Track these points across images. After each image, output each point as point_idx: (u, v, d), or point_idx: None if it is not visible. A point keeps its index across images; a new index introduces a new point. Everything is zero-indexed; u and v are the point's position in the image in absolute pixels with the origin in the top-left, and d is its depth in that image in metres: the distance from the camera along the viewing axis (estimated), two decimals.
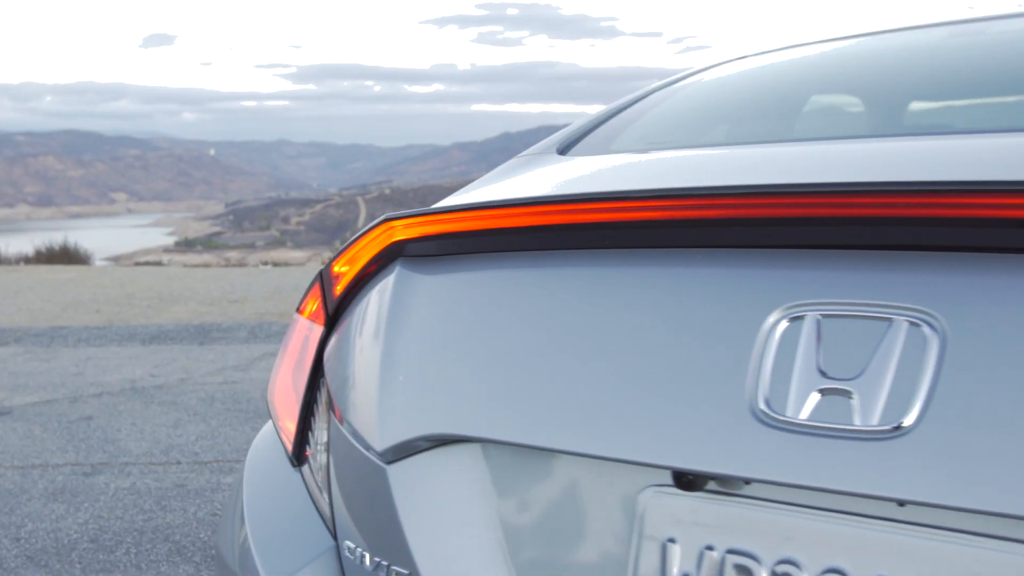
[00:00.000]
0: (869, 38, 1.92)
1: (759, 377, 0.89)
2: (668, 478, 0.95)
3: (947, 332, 0.83)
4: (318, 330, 1.39)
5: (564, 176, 1.43)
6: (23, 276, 13.63)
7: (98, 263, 21.04)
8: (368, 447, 1.17)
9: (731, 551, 0.91)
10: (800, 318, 0.89)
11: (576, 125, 1.76)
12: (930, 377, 0.82)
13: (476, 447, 1.09)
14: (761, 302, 0.92)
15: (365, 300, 1.29)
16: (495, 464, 1.09)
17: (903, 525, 0.84)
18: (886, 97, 1.74)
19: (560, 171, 1.47)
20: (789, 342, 0.89)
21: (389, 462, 1.14)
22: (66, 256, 17.42)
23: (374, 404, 1.17)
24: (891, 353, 0.84)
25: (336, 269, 1.35)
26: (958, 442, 0.79)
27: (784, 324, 0.90)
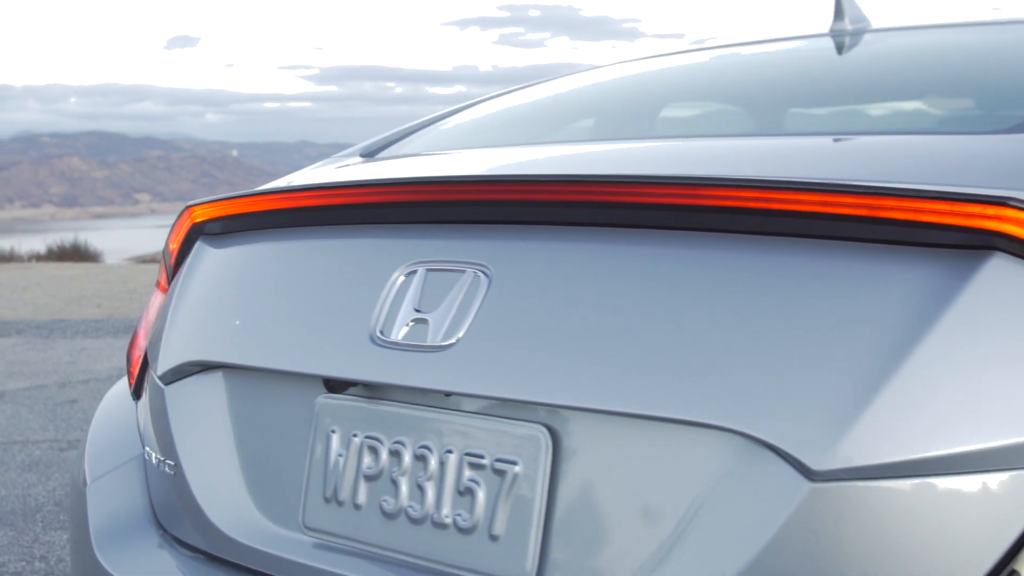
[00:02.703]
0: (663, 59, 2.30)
1: (380, 313, 1.27)
2: (322, 385, 1.33)
3: (493, 277, 1.21)
4: (161, 297, 1.77)
5: (340, 173, 1.82)
6: (32, 272, 14.14)
7: (120, 262, 21.52)
8: (156, 372, 1.56)
9: (367, 437, 1.29)
10: (414, 272, 1.28)
11: (390, 132, 2.14)
12: (477, 307, 1.20)
13: (219, 372, 1.48)
14: (393, 261, 1.31)
15: (182, 270, 1.68)
16: (230, 383, 1.47)
17: (455, 412, 1.22)
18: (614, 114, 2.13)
19: (344, 170, 1.86)
20: (403, 289, 1.27)
21: (167, 383, 1.53)
22: (76, 253, 18.03)
23: (161, 341, 1.56)
24: (459, 293, 1.22)
25: (170, 247, 1.74)
26: (485, 351, 1.17)
27: (403, 277, 1.28)
